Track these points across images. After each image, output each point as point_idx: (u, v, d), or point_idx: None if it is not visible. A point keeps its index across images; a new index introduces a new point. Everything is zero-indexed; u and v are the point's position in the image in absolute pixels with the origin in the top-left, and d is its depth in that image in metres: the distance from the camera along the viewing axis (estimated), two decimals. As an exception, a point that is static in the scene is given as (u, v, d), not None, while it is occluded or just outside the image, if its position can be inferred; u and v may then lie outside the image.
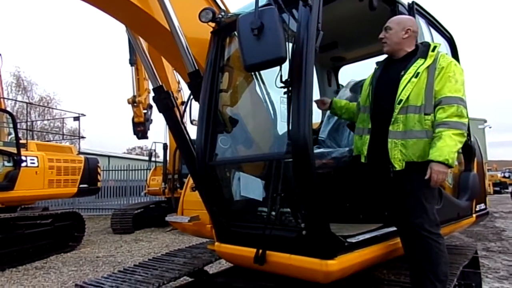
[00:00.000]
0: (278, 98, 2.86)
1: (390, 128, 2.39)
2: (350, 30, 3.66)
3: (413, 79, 2.37)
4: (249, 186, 2.84)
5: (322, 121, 3.98)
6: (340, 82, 4.50)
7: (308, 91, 2.15)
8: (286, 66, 2.27)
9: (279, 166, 2.46)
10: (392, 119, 2.39)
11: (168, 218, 4.40)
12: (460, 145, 2.27)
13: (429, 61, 2.41)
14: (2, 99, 8.65)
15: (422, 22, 3.29)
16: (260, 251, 2.47)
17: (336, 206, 3.14)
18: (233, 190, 2.91)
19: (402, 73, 2.43)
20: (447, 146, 2.20)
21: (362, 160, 2.62)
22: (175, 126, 3.45)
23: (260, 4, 2.36)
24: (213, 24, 2.99)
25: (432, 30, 3.46)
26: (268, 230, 2.39)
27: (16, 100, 22.87)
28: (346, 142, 3.52)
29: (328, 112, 3.89)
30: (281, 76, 2.28)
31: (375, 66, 2.80)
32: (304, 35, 2.23)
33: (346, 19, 3.48)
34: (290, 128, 2.21)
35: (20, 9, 44.17)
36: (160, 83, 3.54)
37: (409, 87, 2.37)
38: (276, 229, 2.41)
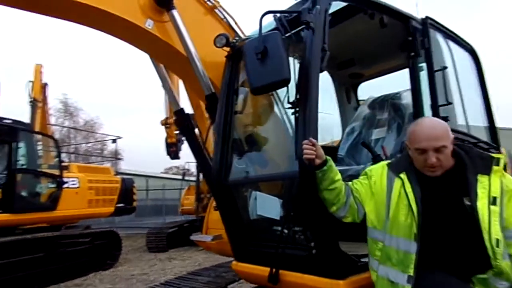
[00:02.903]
0: (290, 117, 2.91)
1: (486, 276, 1.77)
2: (366, 47, 3.66)
3: (492, 207, 1.77)
4: (264, 205, 2.88)
5: (341, 139, 3.96)
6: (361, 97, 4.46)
7: (313, 111, 2.19)
8: (293, 87, 2.33)
9: (290, 185, 2.48)
10: (493, 267, 1.74)
11: (193, 237, 4.49)
12: None
13: (497, 180, 1.83)
14: (49, 125, 9.30)
15: (439, 37, 3.22)
16: (274, 270, 2.48)
17: (351, 224, 3.09)
18: (249, 209, 2.96)
19: (468, 199, 1.81)
20: None
21: None
22: (195, 147, 3.58)
23: (270, 27, 2.49)
24: (228, 49, 3.11)
25: (451, 44, 3.38)
26: (281, 249, 2.41)
27: (62, 126, 24.43)
28: (366, 159, 3.47)
29: (347, 129, 3.87)
30: (288, 97, 2.34)
31: (387, 172, 2.06)
32: (309, 57, 2.28)
33: (361, 37, 3.49)
34: (297, 146, 2.24)
35: (68, 39, 47.66)
36: (181, 107, 3.70)
37: (495, 220, 1.76)
38: (289, 248, 2.42)
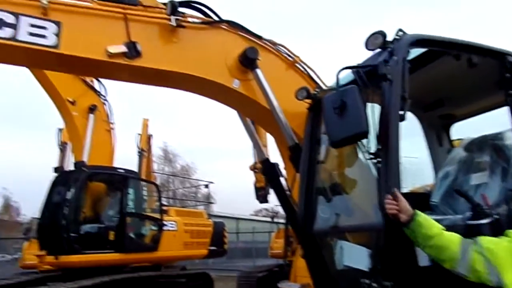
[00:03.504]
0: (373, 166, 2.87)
1: None
2: (455, 87, 3.48)
3: None
4: (350, 256, 2.82)
5: (434, 184, 3.70)
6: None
7: (394, 161, 2.17)
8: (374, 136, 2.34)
9: (377, 236, 2.42)
10: None
11: (280, 284, 4.50)
12: None
13: None
14: (152, 173, 10.42)
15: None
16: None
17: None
18: (335, 259, 2.92)
19: None
20: None
21: None
22: (281, 195, 3.71)
23: (348, 79, 2.58)
24: (309, 100, 3.26)
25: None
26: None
27: (162, 173, 27.02)
28: (464, 208, 3.19)
29: (441, 173, 3.62)
30: (369, 147, 2.35)
31: None
32: (388, 107, 2.30)
33: (448, 77, 3.35)
34: (380, 197, 2.21)
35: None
36: (266, 156, 3.91)
37: None
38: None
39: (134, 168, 11.09)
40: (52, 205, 7.93)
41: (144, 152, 12.30)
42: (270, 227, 14.62)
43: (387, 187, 2.09)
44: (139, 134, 12.70)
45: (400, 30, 2.47)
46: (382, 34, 2.43)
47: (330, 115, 2.30)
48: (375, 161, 2.33)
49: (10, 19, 2.64)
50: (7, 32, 2.61)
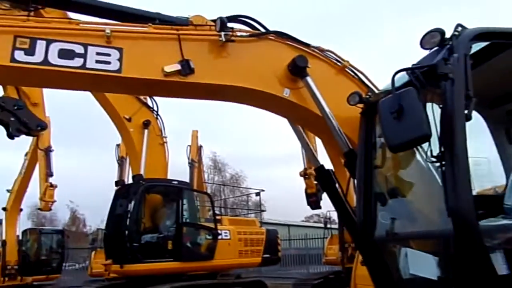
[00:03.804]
0: (436, 169, 2.74)
1: None
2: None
3: None
4: (416, 263, 2.70)
5: (506, 185, 3.45)
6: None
7: (462, 162, 2.06)
8: (435, 139, 2.24)
9: (445, 243, 2.30)
10: None
11: (342, 293, 4.40)
12: None
13: None
14: (204, 183, 10.72)
15: None
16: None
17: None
18: (400, 267, 2.81)
19: None
20: None
21: None
22: (338, 202, 3.65)
23: (402, 81, 2.50)
24: (361, 105, 3.20)
25: None
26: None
27: (213, 183, 27.67)
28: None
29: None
30: (431, 150, 2.26)
31: None
32: (451, 107, 2.18)
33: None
34: (449, 202, 2.11)
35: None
36: (320, 163, 3.88)
37: None
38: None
39: (186, 178, 11.51)
40: (115, 216, 8.44)
41: (195, 163, 12.73)
42: (324, 234, 14.36)
43: (457, 191, 1.98)
44: (189, 145, 13.17)
45: (459, 25, 2.35)
46: (440, 31, 2.33)
47: (388, 120, 2.24)
48: (438, 164, 2.23)
49: (80, 49, 2.89)
50: (78, 61, 2.86)
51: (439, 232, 2.45)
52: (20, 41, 2.77)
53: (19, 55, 2.76)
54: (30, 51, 2.80)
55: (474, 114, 2.41)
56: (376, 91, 3.41)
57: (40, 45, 2.82)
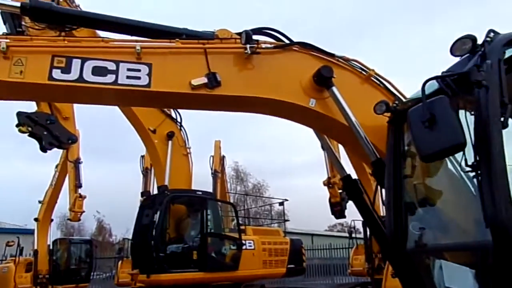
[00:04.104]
0: (471, 178, 2.66)
1: None
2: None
3: None
4: (453, 276, 2.62)
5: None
6: None
7: (500, 170, 1.99)
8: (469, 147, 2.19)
9: (484, 255, 2.23)
10: None
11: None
12: None
13: None
14: (227, 193, 10.77)
15: None
16: None
17: None
18: (434, 280, 2.73)
19: None
20: None
21: None
22: (366, 212, 3.59)
23: (431, 89, 2.46)
24: (388, 113, 3.16)
25: None
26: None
27: (235, 193, 27.75)
28: None
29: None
30: (465, 159, 2.20)
31: None
32: (486, 115, 2.13)
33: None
34: (487, 212, 2.04)
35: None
36: (348, 173, 3.84)
37: None
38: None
39: (208, 188, 11.58)
40: (141, 227, 8.58)
41: (218, 173, 12.80)
42: (348, 243, 14.11)
43: (496, 201, 1.92)
44: (212, 156, 13.27)
45: (492, 30, 2.31)
46: (471, 38, 2.29)
47: (419, 129, 2.20)
48: (474, 173, 2.17)
49: (112, 66, 3.01)
50: (110, 78, 2.98)
51: (476, 243, 2.37)
52: (57, 60, 2.91)
53: (56, 74, 2.90)
54: (67, 70, 2.93)
55: (510, 121, 2.34)
56: (403, 99, 3.37)
57: (76, 64, 2.96)
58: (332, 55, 3.57)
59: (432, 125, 2.13)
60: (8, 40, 2.89)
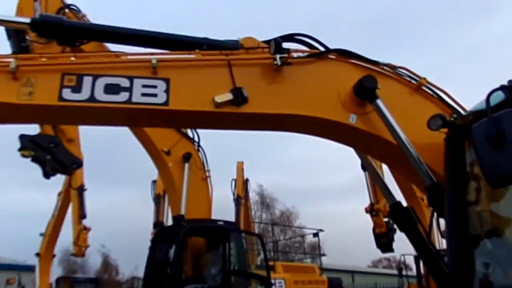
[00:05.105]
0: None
1: None
2: None
3: None
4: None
5: None
6: None
7: None
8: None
9: None
10: None
11: None
12: None
13: None
14: (252, 223, 10.76)
15: None
16: None
17: None
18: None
19: None
20: None
21: None
22: (420, 245, 3.52)
23: (496, 101, 2.44)
24: (445, 129, 3.13)
25: None
26: None
27: (261, 222, 27.58)
28: None
29: None
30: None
31: None
32: None
33: None
34: None
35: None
36: (397, 200, 3.79)
37: None
38: None
39: (231, 217, 11.57)
40: (154, 264, 8.63)
41: (241, 200, 12.80)
42: (397, 282, 13.70)
43: None
44: (234, 179, 13.31)
45: None
46: None
47: (485, 148, 2.19)
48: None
49: (125, 83, 3.15)
50: (123, 96, 3.11)
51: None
52: (67, 79, 3.08)
53: (67, 94, 3.07)
54: (77, 88, 3.10)
55: None
56: (463, 112, 3.33)
57: (87, 81, 3.12)
58: (375, 63, 3.59)
59: (500, 144, 2.11)
60: (16, 60, 3.07)
